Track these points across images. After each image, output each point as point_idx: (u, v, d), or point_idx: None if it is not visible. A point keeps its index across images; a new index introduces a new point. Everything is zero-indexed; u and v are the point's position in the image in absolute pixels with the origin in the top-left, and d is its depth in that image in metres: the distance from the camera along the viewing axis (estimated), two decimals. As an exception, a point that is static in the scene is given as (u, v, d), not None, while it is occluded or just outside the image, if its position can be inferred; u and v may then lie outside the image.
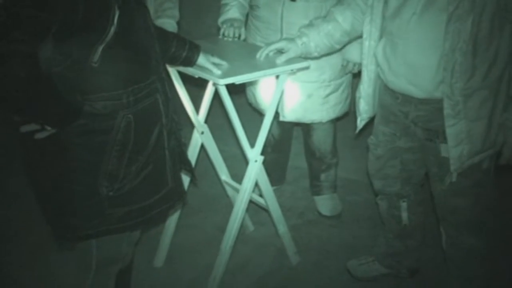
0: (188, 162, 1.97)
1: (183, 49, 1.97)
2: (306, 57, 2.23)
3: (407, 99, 2.01)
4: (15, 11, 1.34)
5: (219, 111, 2.71)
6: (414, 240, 2.45)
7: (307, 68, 2.22)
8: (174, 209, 1.95)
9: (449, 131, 1.88)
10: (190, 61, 2.00)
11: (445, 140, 1.92)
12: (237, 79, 1.98)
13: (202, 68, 2.01)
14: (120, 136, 1.60)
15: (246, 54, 2.32)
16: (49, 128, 1.52)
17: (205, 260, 2.53)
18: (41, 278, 2.48)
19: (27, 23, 1.35)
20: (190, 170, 2.00)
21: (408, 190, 2.30)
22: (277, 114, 2.70)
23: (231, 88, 2.06)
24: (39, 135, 1.53)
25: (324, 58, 2.47)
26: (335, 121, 2.89)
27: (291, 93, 2.67)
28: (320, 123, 2.81)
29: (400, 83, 1.97)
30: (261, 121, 2.25)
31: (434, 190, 2.14)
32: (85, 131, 1.56)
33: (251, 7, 2.71)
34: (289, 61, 2.15)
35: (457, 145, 1.89)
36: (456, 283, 2.27)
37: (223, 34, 2.55)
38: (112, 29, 1.50)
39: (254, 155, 2.26)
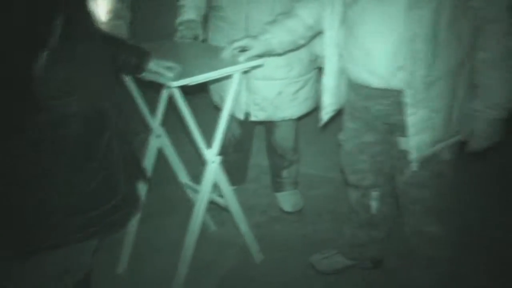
0: (141, 167, 1.94)
1: (132, 56, 1.93)
2: (270, 54, 2.22)
3: (367, 93, 2.01)
4: None
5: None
6: (379, 231, 2.47)
7: (261, 66, 2.21)
8: (131, 216, 1.91)
9: (409, 120, 1.89)
10: (140, 68, 1.95)
11: (403, 134, 1.94)
12: (190, 81, 1.96)
13: (155, 72, 1.98)
14: (70, 144, 1.57)
15: (203, 54, 2.29)
16: None
17: (168, 263, 2.48)
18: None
19: None
20: (144, 176, 1.97)
21: (380, 181, 2.31)
22: (244, 115, 2.73)
23: (196, 88, 2.04)
24: None
25: (291, 54, 2.45)
26: (298, 118, 2.90)
27: (261, 92, 2.65)
28: (284, 120, 2.81)
29: (360, 72, 1.97)
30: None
31: (396, 182, 2.16)
32: (35, 140, 1.52)
33: (213, 8, 2.67)
34: (251, 59, 2.14)
35: (417, 134, 1.90)
36: (419, 272, 2.30)
37: (180, 36, 2.52)
38: (55, 35, 1.46)
39: (211, 156, 2.24)
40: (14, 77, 1.45)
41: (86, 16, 1.64)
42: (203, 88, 2.74)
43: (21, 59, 1.45)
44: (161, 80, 1.96)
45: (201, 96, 3.01)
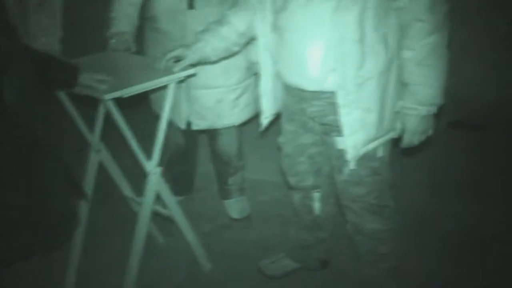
0: (77, 185, 1.91)
1: (61, 72, 1.90)
2: (205, 62, 2.23)
3: (302, 95, 2.04)
4: None
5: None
6: (324, 231, 2.51)
7: (195, 75, 2.22)
8: (69, 234, 1.88)
9: (343, 121, 1.93)
10: (70, 84, 1.92)
11: (340, 133, 1.98)
12: (124, 92, 1.95)
13: (87, 86, 1.95)
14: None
15: (137, 66, 2.28)
16: None
17: (116, 281, 2.44)
18: None
19: None
20: (81, 193, 1.95)
21: (320, 182, 2.34)
22: (185, 124, 2.71)
23: (137, 100, 2.03)
24: None
25: (228, 62, 2.47)
26: (240, 124, 2.90)
27: (201, 100, 2.65)
28: (226, 127, 2.81)
29: (293, 76, 2.00)
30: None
31: (336, 181, 2.19)
32: None
33: (148, 19, 2.65)
34: (186, 68, 2.14)
35: (352, 134, 1.95)
36: (365, 268, 2.35)
37: (113, 48, 2.49)
38: None
39: (152, 167, 2.23)
40: None
41: (8, 27, 1.61)
42: (144, 99, 2.73)
43: None
44: (94, 93, 1.94)
45: (143, 108, 2.97)
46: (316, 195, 2.37)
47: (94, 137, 2.37)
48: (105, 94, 1.90)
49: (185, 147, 3.01)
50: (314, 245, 2.53)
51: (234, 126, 2.82)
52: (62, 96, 2.20)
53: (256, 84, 2.69)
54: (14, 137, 1.59)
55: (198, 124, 2.71)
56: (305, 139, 2.21)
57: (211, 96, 2.63)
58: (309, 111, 2.07)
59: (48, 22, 2.42)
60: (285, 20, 1.93)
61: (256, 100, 2.74)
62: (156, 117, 2.72)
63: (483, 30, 4.06)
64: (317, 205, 2.40)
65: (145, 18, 2.66)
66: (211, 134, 2.91)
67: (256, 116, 2.80)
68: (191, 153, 3.12)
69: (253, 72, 2.68)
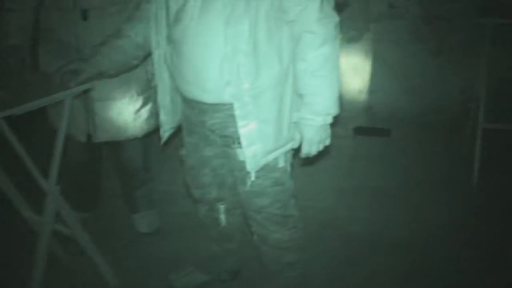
0: None
1: None
2: (103, 76, 2.18)
3: (201, 107, 2.03)
4: None
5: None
6: (232, 243, 2.50)
7: (90, 90, 2.16)
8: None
9: (241, 132, 1.93)
10: None
11: (240, 145, 1.97)
12: (17, 111, 1.86)
13: None
14: None
15: (30, 81, 2.20)
16: None
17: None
18: None
19: None
20: None
21: (224, 194, 2.33)
22: (86, 137, 2.62)
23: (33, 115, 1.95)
24: None
25: (127, 74, 2.42)
26: (145, 136, 2.84)
27: (101, 113, 2.57)
28: (130, 140, 2.74)
29: (191, 89, 1.98)
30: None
31: (240, 192, 2.18)
32: None
33: (43, 30, 2.54)
34: (83, 82, 2.08)
35: (250, 145, 1.95)
36: (273, 277, 2.36)
37: (5, 63, 2.38)
38: None
39: (49, 186, 2.14)
40: None
41: None
42: (42, 113, 2.63)
43: None
44: None
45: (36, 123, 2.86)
46: (221, 207, 2.36)
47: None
48: None
49: (88, 161, 2.91)
50: (224, 256, 2.52)
51: (137, 138, 2.76)
52: None
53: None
54: None
55: (99, 137, 2.63)
56: (207, 152, 2.20)
57: (111, 108, 2.57)
58: (209, 123, 2.05)
59: None
60: (179, 33, 1.90)
61: (158, 112, 2.71)
62: (55, 132, 2.64)
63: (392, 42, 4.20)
64: (223, 217, 2.39)
65: (40, 29, 2.56)
66: (115, 146, 2.82)
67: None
68: (95, 167, 3.02)
69: (153, 84, 2.63)
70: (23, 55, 2.43)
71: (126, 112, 2.61)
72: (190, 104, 2.08)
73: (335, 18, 1.87)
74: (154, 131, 2.80)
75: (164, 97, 2.14)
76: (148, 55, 2.25)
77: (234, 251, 2.53)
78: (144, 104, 2.66)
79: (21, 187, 2.45)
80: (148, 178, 2.97)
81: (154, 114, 2.69)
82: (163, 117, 2.17)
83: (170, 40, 1.98)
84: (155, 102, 2.64)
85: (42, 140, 2.54)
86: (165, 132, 2.20)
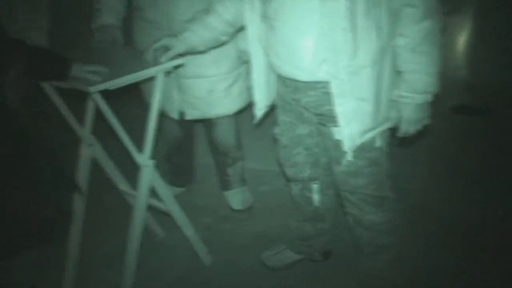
0: (71, 179, 1.89)
1: (54, 64, 1.87)
2: (193, 52, 2.18)
3: (296, 85, 1.99)
4: None
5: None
6: (324, 223, 2.47)
7: (181, 65, 2.17)
8: (65, 228, 1.88)
9: (338, 111, 1.88)
10: (62, 75, 1.88)
11: (336, 123, 1.92)
12: (109, 85, 1.90)
13: (78, 79, 1.90)
14: None
15: (123, 57, 2.24)
16: None
17: (114, 275, 2.41)
18: None
19: None
20: (76, 187, 1.92)
21: (318, 173, 2.29)
22: (178, 114, 2.66)
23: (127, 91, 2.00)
24: None
25: (218, 50, 2.41)
26: (236, 114, 2.85)
27: (192, 90, 2.59)
28: (221, 117, 2.76)
29: (285, 67, 1.94)
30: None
31: (334, 172, 2.13)
32: None
33: (134, 9, 2.60)
34: (174, 58, 2.09)
35: (347, 124, 1.90)
36: (367, 260, 2.32)
37: (98, 41, 2.43)
38: None
39: (144, 160, 2.18)
40: None
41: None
42: (137, 90, 2.69)
43: None
44: (80, 86, 1.89)
45: (134, 100, 2.93)
46: (315, 186, 2.32)
47: (85, 132, 2.32)
48: (91, 87, 1.85)
49: (181, 138, 2.97)
50: (315, 236, 2.49)
51: (229, 116, 2.77)
52: (50, 90, 2.16)
53: (248, 73, 2.64)
54: (12, 135, 1.58)
55: (191, 114, 2.66)
56: (301, 130, 2.16)
57: (202, 85, 2.58)
58: (303, 101, 2.01)
59: (35, 16, 2.36)
60: (275, 9, 1.86)
61: (249, 89, 2.68)
62: (148, 108, 2.70)
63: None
64: (316, 197, 2.35)
65: (132, 8, 2.61)
66: (207, 124, 2.86)
67: (252, 105, 2.77)
68: (188, 144, 3.08)
69: (243, 61, 2.62)
70: (116, 34, 2.47)
71: (217, 90, 2.61)
72: (284, 82, 2.04)
73: None
74: (245, 109, 2.81)
75: (259, 75, 2.11)
76: (237, 32, 2.23)
77: (326, 231, 2.49)
78: (235, 81, 2.65)
79: (117, 162, 2.54)
80: (240, 156, 2.98)
81: (245, 91, 2.68)
82: (257, 96, 2.15)
83: (264, 16, 1.94)
84: (246, 79, 2.65)
85: (136, 116, 2.61)
86: (259, 110, 2.18)
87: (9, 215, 1.60)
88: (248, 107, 2.85)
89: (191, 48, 2.13)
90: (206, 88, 2.58)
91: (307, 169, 2.27)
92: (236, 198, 3.02)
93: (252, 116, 2.23)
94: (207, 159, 3.26)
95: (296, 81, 1.96)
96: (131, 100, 2.92)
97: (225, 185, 3.05)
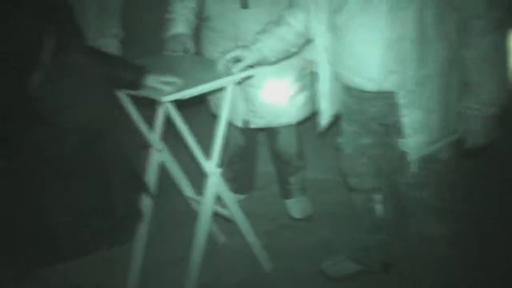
0: (142, 182, 1.95)
1: (128, 72, 1.95)
2: (264, 63, 2.23)
3: (361, 95, 2.00)
4: None
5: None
6: (386, 234, 2.45)
7: (251, 77, 2.22)
8: (133, 229, 1.94)
9: (405, 121, 1.88)
10: (136, 84, 1.96)
11: (401, 134, 1.92)
12: (182, 95, 1.97)
13: (151, 88, 1.97)
14: (67, 160, 1.59)
15: (195, 67, 2.31)
16: None
17: (178, 278, 2.48)
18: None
19: None
20: (146, 190, 1.99)
21: (381, 183, 2.29)
22: (243, 123, 2.73)
23: (194, 100, 2.06)
24: None
25: (283, 61, 2.45)
26: (299, 123, 2.88)
27: (257, 99, 2.65)
28: (284, 126, 2.80)
29: (352, 77, 1.96)
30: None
31: (398, 184, 2.13)
32: (34, 157, 1.55)
33: (203, 19, 2.68)
34: (245, 69, 2.15)
35: (414, 135, 1.89)
36: (426, 273, 2.28)
37: (170, 50, 2.52)
38: (47, 51, 1.49)
39: (211, 168, 2.24)
40: (10, 98, 1.48)
41: (77, 30, 1.66)
42: (201, 99, 2.76)
43: (14, 81, 1.48)
44: (152, 95, 1.97)
45: (200, 108, 3.00)
46: (378, 197, 2.32)
47: (155, 137, 2.40)
48: (163, 97, 1.92)
49: (244, 146, 3.03)
50: (376, 247, 2.48)
51: (292, 125, 2.80)
52: (123, 96, 2.25)
53: (312, 83, 2.67)
54: (81, 134, 1.64)
55: (256, 123, 2.71)
56: (365, 140, 2.17)
57: (267, 95, 2.63)
58: (369, 112, 2.02)
59: (109, 24, 2.45)
60: (342, 20, 1.89)
61: (313, 98, 2.72)
62: (214, 117, 2.75)
63: None
64: (379, 208, 2.35)
65: (201, 18, 2.69)
66: (270, 133, 2.91)
67: (315, 115, 2.79)
68: (250, 151, 3.13)
69: (308, 71, 2.65)
70: (187, 43, 2.54)
71: (281, 99, 2.65)
72: (350, 92, 2.06)
73: (505, 1, 1.75)
74: (308, 119, 2.83)
75: (325, 86, 2.13)
76: (305, 44, 2.26)
77: (386, 242, 2.48)
78: (299, 91, 2.68)
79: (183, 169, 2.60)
80: (302, 165, 3.00)
81: (309, 101, 2.71)
82: (322, 106, 2.17)
83: (331, 26, 1.97)
84: (310, 89, 2.67)
85: (201, 124, 2.66)
86: (324, 120, 2.20)
87: (79, 216, 1.66)
88: (310, 116, 2.89)
89: (262, 59, 2.17)
90: (271, 97, 2.63)
91: (370, 180, 2.27)
92: (297, 206, 3.05)
93: (314, 126, 2.25)
94: (267, 167, 3.30)
95: (362, 91, 1.97)
96: (196, 107, 2.99)
97: (286, 194, 3.08)
